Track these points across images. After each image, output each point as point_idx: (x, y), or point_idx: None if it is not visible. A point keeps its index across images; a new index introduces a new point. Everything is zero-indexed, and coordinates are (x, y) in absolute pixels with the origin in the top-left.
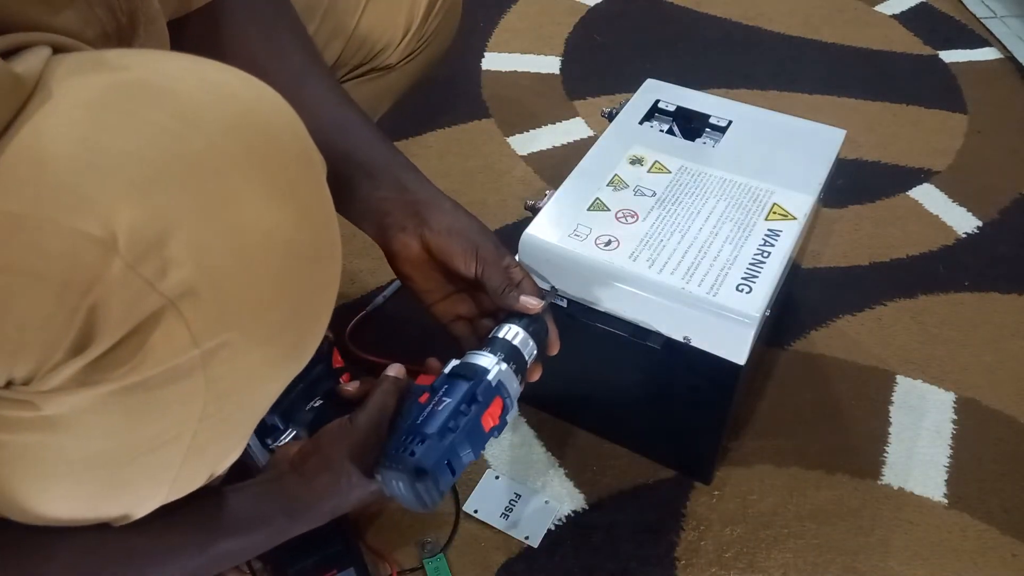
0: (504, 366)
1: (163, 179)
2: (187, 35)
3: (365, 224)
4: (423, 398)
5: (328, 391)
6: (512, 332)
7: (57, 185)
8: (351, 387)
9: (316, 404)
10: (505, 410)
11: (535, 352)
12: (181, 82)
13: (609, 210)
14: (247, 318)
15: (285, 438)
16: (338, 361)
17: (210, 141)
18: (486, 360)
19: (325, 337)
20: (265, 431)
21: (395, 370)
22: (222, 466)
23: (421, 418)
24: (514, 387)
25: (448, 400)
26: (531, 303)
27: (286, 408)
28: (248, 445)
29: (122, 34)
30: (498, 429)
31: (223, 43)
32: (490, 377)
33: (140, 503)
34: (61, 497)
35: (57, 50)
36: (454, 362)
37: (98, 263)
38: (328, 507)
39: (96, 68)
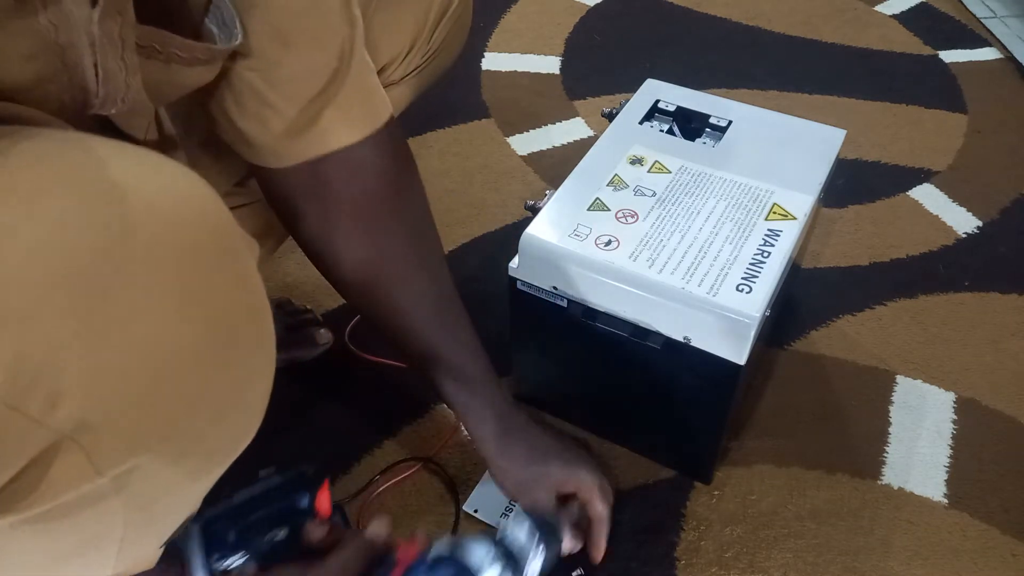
0: (497, 568)
1: (46, 304)
2: (290, 183)
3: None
4: (395, 575)
5: (296, 527)
6: (523, 538)
7: None
8: (318, 531)
9: (279, 537)
10: None
11: (542, 562)
12: (74, 182)
13: (609, 210)
14: (155, 441)
15: (233, 562)
16: (325, 508)
17: (100, 251)
18: (480, 556)
19: (320, 478)
20: (214, 544)
21: (379, 526)
22: (166, 539)
23: None
24: None
25: None
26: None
27: (244, 528)
28: (189, 557)
29: (86, 110)
30: None
31: (319, 207)
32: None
33: None
34: None
35: None
36: (445, 541)
37: None
38: None
39: None
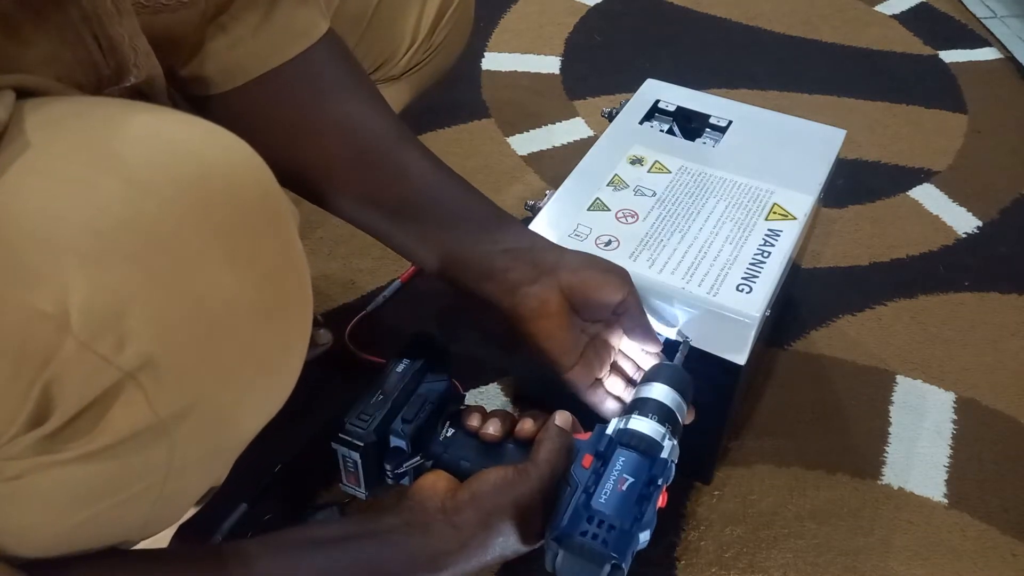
0: (674, 442)
1: (116, 251)
2: (242, 106)
3: (488, 286)
4: (586, 462)
5: (455, 417)
6: (668, 395)
7: (10, 258)
8: (492, 429)
9: (448, 434)
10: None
11: (685, 413)
12: (138, 143)
13: (609, 210)
14: (210, 384)
15: (410, 464)
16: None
17: (164, 207)
18: (650, 428)
19: (446, 360)
20: (387, 455)
21: (563, 419)
22: (204, 491)
23: (603, 495)
24: (676, 463)
25: (630, 479)
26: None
27: (415, 433)
28: (356, 460)
29: (102, 86)
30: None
31: (293, 113)
32: (665, 455)
33: (118, 538)
34: (40, 535)
35: (22, 92)
36: (617, 423)
37: (52, 341)
38: (474, 565)
39: (53, 127)
